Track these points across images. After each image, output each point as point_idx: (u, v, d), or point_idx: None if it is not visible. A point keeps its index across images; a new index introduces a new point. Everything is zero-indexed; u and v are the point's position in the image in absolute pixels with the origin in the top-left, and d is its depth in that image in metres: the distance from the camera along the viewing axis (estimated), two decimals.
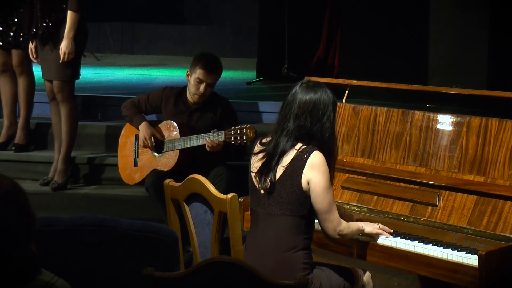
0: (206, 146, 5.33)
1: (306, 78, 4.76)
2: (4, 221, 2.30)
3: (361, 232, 3.90)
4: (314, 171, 3.61)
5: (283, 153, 3.66)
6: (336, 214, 3.70)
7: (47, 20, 5.86)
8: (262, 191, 3.70)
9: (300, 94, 3.68)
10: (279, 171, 3.66)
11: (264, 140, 3.78)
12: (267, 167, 3.68)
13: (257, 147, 3.78)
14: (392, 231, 3.94)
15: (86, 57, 7.42)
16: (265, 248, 3.69)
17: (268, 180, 3.67)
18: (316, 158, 3.62)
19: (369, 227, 3.91)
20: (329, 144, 3.70)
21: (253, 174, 3.75)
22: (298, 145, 3.66)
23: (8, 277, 2.31)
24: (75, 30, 5.81)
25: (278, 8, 8.51)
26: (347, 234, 3.79)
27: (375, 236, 3.92)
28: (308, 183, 3.62)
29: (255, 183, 3.73)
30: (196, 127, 5.55)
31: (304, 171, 3.62)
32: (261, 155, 3.73)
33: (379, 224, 3.95)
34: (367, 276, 3.92)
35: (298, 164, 3.63)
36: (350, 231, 3.80)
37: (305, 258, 3.67)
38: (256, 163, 3.74)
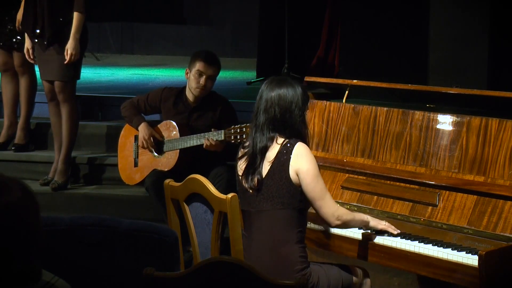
0: (204, 144, 5.33)
1: (306, 78, 4.79)
2: (12, 230, 2.28)
3: (366, 224, 3.90)
4: (301, 161, 3.65)
5: (264, 149, 3.71)
6: (330, 200, 3.72)
7: (55, 22, 5.86)
8: (250, 191, 3.73)
9: (266, 90, 3.74)
10: (266, 167, 3.70)
11: (245, 144, 3.83)
12: (252, 166, 3.72)
13: (240, 152, 3.83)
14: (398, 231, 3.93)
15: (86, 57, 7.42)
16: (260, 245, 3.71)
17: (255, 178, 3.70)
18: (300, 149, 3.67)
19: (375, 221, 3.92)
20: (301, 131, 3.74)
21: (240, 177, 3.78)
22: (280, 140, 3.70)
23: (9, 280, 2.30)
24: (81, 31, 5.84)
25: (278, 8, 8.50)
26: (348, 221, 3.79)
27: (379, 231, 3.92)
28: (297, 174, 3.65)
29: (243, 184, 3.76)
30: (196, 126, 5.55)
31: (290, 162, 3.66)
32: (244, 158, 3.78)
33: (386, 222, 3.95)
34: (365, 275, 3.93)
35: (284, 157, 3.67)
36: (351, 218, 3.81)
37: (301, 252, 3.70)
38: (241, 165, 3.78)
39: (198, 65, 5.49)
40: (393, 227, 3.94)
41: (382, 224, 3.93)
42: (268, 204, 3.69)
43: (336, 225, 3.78)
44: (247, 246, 3.76)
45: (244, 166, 3.76)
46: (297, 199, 3.68)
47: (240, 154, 3.83)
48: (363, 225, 3.92)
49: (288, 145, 3.68)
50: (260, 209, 3.71)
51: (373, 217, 3.97)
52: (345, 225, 3.83)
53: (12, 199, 2.29)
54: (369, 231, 3.95)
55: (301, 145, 3.69)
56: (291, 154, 3.66)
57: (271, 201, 3.68)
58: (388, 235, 3.92)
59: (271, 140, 3.71)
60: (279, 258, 3.66)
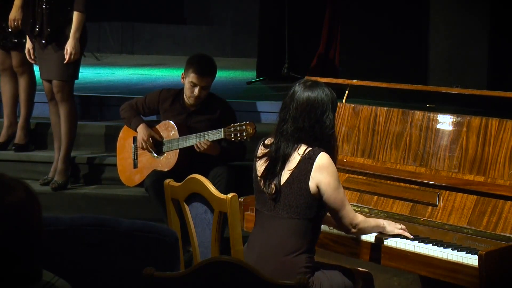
0: (196, 147, 5.32)
1: (306, 78, 4.76)
2: (15, 231, 2.27)
3: (382, 230, 3.88)
4: (323, 173, 3.60)
5: (286, 157, 3.64)
6: (350, 210, 3.70)
7: (54, 21, 5.86)
8: (268, 194, 3.69)
9: (297, 94, 3.66)
10: (285, 175, 3.64)
11: (266, 142, 3.76)
12: (271, 173, 3.67)
13: (260, 150, 3.76)
14: (412, 236, 3.91)
15: (86, 57, 7.43)
16: (268, 249, 3.67)
17: (272, 185, 3.65)
18: (322, 160, 3.60)
19: (391, 227, 3.89)
20: (330, 143, 3.69)
21: (258, 178, 3.73)
22: (302, 148, 3.64)
23: (11, 280, 2.30)
24: (81, 30, 5.83)
25: (278, 8, 8.51)
26: (364, 229, 3.79)
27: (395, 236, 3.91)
28: (318, 186, 3.60)
29: (261, 185, 3.71)
30: (195, 128, 5.53)
31: (312, 173, 3.60)
32: (264, 159, 3.72)
33: (402, 225, 3.94)
34: (368, 279, 3.91)
35: (305, 167, 3.61)
36: (367, 226, 3.80)
37: (307, 262, 3.65)
38: (260, 167, 3.73)
39: (192, 77, 5.45)
40: (408, 233, 3.90)
41: (398, 229, 3.90)
42: (284, 211, 3.64)
43: (352, 233, 3.76)
44: (253, 245, 3.73)
45: (263, 167, 3.70)
46: (314, 210, 3.64)
47: (260, 153, 3.76)
48: (380, 231, 3.89)
49: (310, 154, 3.61)
50: (276, 214, 3.66)
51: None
52: (362, 232, 3.82)
53: (16, 199, 2.29)
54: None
55: (324, 155, 3.61)
56: (312, 165, 3.60)
57: (288, 209, 3.63)
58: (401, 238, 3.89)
59: (295, 149, 3.64)
60: (283, 265, 3.62)
